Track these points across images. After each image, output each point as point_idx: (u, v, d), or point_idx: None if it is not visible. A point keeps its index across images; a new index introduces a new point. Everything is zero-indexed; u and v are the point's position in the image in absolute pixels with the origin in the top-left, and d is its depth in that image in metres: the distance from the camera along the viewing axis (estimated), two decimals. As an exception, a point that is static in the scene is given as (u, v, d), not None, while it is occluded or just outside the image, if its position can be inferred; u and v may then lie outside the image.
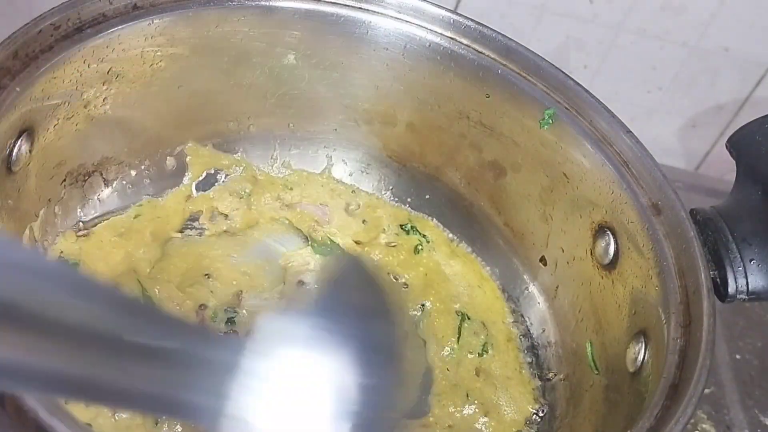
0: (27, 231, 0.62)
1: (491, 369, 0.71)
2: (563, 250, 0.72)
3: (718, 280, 0.61)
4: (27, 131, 0.59)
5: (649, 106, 1.05)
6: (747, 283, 0.60)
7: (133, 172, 0.72)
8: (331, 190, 0.79)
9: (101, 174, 0.70)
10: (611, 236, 0.67)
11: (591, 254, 0.69)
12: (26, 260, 0.34)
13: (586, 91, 0.69)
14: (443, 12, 0.70)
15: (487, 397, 0.69)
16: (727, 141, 0.65)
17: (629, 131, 0.67)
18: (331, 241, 0.76)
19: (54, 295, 0.34)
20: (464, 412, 0.68)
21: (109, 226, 0.70)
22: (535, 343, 0.74)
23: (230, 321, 0.68)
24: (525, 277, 0.76)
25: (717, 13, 0.95)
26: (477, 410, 0.68)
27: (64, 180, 0.67)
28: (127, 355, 0.36)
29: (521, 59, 0.70)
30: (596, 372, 0.67)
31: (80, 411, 0.58)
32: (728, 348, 0.89)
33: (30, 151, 0.60)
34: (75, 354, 0.34)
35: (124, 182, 0.72)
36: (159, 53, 0.66)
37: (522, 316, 0.76)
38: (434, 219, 0.80)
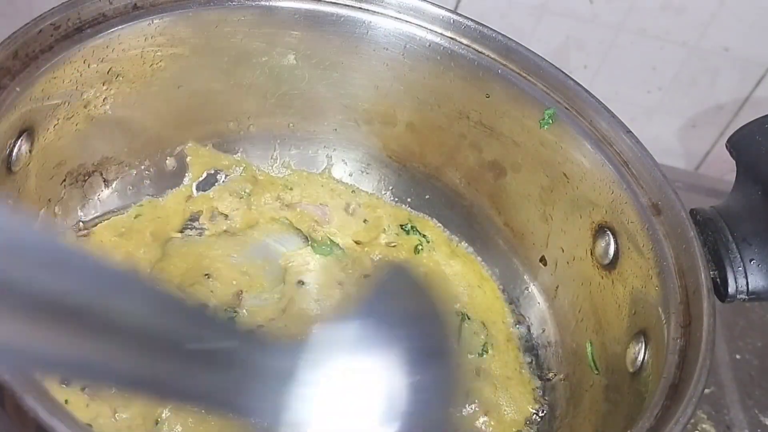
0: (27, 231, 0.62)
1: (491, 369, 0.71)
2: (563, 250, 0.72)
3: (718, 280, 0.61)
4: (27, 131, 0.59)
5: (649, 106, 1.05)
6: (747, 283, 0.60)
7: (133, 172, 0.72)
8: (331, 190, 0.79)
9: (101, 174, 0.70)
10: (611, 236, 0.67)
11: (591, 254, 0.69)
12: (99, 266, 0.35)
13: (586, 91, 0.69)
14: (443, 12, 0.70)
15: (487, 397, 0.69)
16: (727, 141, 0.65)
17: (629, 131, 0.67)
18: (331, 241, 0.76)
19: (122, 299, 0.35)
20: (464, 412, 0.68)
21: (109, 226, 0.70)
22: (535, 343, 0.74)
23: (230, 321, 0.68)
24: (525, 277, 0.76)
25: (717, 13, 0.95)
26: (477, 410, 0.68)
27: (64, 180, 0.67)
28: (184, 358, 0.36)
29: (521, 59, 0.70)
30: (596, 372, 0.67)
31: (80, 411, 0.58)
32: (728, 348, 0.89)
33: (30, 151, 0.60)
34: (135, 354, 0.35)
35: (124, 182, 0.72)
36: (159, 53, 0.66)
37: (522, 316, 0.76)
38: (434, 219, 0.80)
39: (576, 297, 0.71)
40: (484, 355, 0.72)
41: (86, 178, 0.69)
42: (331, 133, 0.78)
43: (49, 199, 0.65)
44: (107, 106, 0.66)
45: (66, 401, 0.58)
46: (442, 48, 0.71)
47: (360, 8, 0.70)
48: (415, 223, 0.79)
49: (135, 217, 0.71)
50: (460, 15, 0.70)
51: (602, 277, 0.68)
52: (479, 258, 0.78)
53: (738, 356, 0.89)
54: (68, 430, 0.41)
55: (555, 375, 0.71)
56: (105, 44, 0.62)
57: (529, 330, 0.75)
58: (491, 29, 0.70)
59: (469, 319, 0.73)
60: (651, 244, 0.62)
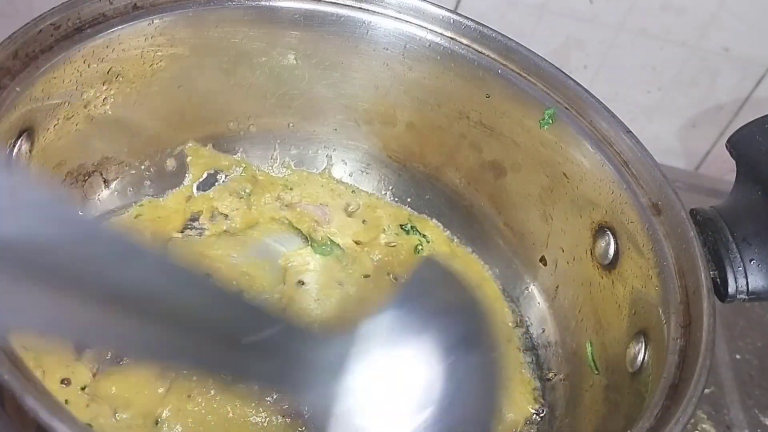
0: (27, 231, 0.62)
1: (491, 369, 0.71)
2: (563, 250, 0.72)
3: (718, 280, 0.61)
4: (27, 131, 0.59)
5: (649, 106, 1.05)
6: (747, 283, 0.60)
7: (133, 172, 0.72)
8: (331, 190, 0.79)
9: (101, 174, 0.70)
10: (611, 236, 0.67)
11: (591, 254, 0.69)
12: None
13: (586, 91, 0.69)
14: (443, 12, 0.70)
15: (487, 397, 0.69)
16: (727, 141, 0.65)
17: (629, 131, 0.67)
18: (331, 241, 0.76)
19: (186, 294, 0.37)
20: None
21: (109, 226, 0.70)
22: (535, 343, 0.74)
23: (230, 321, 0.68)
24: (525, 277, 0.76)
25: (717, 13, 0.95)
26: (477, 410, 0.68)
27: (64, 180, 0.67)
28: (238, 348, 0.39)
29: (521, 59, 0.70)
30: (596, 372, 0.67)
31: (80, 411, 0.58)
32: (728, 348, 0.89)
33: (30, 151, 0.60)
34: (191, 342, 0.38)
35: (124, 182, 0.72)
36: (159, 53, 0.66)
37: (522, 316, 0.76)
38: (434, 219, 0.80)
39: (576, 297, 0.71)
40: (484, 355, 0.72)
41: (86, 178, 0.69)
42: (331, 133, 0.78)
43: (49, 199, 0.65)
44: (107, 106, 0.66)
45: (66, 401, 0.58)
46: (442, 48, 0.71)
47: (360, 8, 0.70)
48: (415, 223, 0.79)
49: (135, 217, 0.71)
50: (460, 15, 0.70)
51: (602, 277, 0.68)
52: (479, 258, 0.78)
53: (738, 356, 0.89)
54: (68, 430, 0.41)
55: (555, 375, 0.71)
56: (105, 44, 0.62)
57: (529, 330, 0.75)
58: (491, 29, 0.70)
59: (469, 319, 0.73)
60: (651, 244, 0.62)
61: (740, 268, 0.60)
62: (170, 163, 0.74)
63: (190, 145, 0.74)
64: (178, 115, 0.72)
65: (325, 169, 0.80)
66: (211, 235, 0.74)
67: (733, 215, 0.62)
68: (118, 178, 0.71)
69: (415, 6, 0.70)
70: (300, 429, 0.63)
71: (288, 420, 0.63)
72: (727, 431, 0.82)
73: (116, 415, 0.59)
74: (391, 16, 0.71)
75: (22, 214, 0.31)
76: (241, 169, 0.77)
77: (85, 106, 0.64)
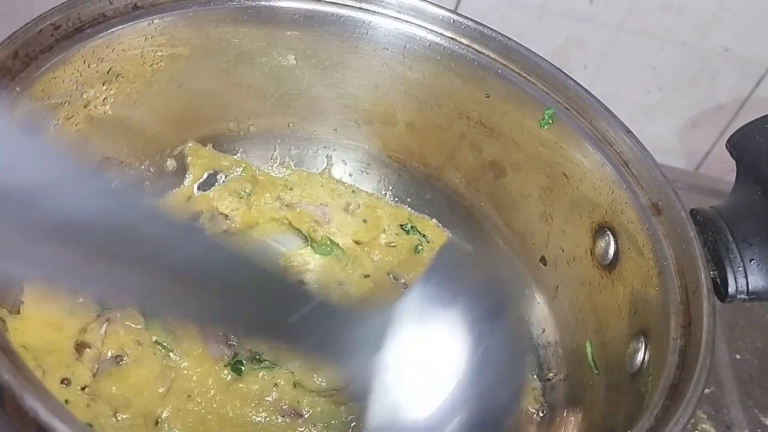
0: (27, 231, 0.62)
1: (491, 369, 0.71)
2: (563, 250, 0.72)
3: (718, 280, 0.61)
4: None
5: (649, 106, 1.05)
6: (747, 283, 0.60)
7: (133, 173, 0.72)
8: (331, 190, 0.79)
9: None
10: (611, 236, 0.67)
11: (591, 254, 0.69)
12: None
13: (586, 91, 0.69)
14: (443, 12, 0.70)
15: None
16: (727, 141, 0.65)
17: (629, 131, 0.67)
18: (331, 241, 0.76)
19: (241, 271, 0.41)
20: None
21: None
22: (535, 343, 0.74)
23: (230, 321, 0.68)
24: (525, 277, 0.76)
25: (717, 13, 0.95)
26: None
27: (64, 180, 0.66)
28: (286, 326, 0.43)
29: (521, 59, 0.70)
30: (596, 372, 0.67)
31: (80, 411, 0.58)
32: (728, 348, 0.89)
33: (30, 151, 0.60)
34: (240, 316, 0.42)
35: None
36: (159, 53, 0.66)
37: (522, 316, 0.75)
38: (434, 219, 0.80)
39: (576, 297, 0.71)
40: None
41: (86, 178, 0.69)
42: (331, 133, 0.78)
43: (49, 199, 0.65)
44: (107, 106, 0.66)
45: (66, 401, 0.58)
46: (442, 48, 0.71)
47: (360, 8, 0.70)
48: (415, 223, 0.79)
49: (135, 217, 0.71)
50: (460, 15, 0.70)
51: (602, 277, 0.68)
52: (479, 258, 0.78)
53: (738, 356, 0.89)
54: (68, 430, 0.41)
55: (555, 375, 0.71)
56: (105, 44, 0.62)
57: (529, 330, 0.75)
58: (491, 29, 0.70)
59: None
60: (651, 244, 0.62)
61: (740, 268, 0.60)
62: (170, 164, 0.74)
63: (190, 145, 0.74)
64: (178, 115, 0.72)
65: (325, 169, 0.80)
66: (211, 235, 0.74)
67: (733, 215, 0.62)
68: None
69: (415, 6, 0.70)
70: (300, 429, 0.63)
71: (288, 420, 0.63)
72: (727, 431, 0.82)
73: (116, 415, 0.59)
74: (391, 16, 0.70)
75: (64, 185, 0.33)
76: (241, 169, 0.76)
77: (85, 106, 0.64)
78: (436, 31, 0.71)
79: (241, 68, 0.71)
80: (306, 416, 0.63)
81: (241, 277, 0.41)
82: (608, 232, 0.67)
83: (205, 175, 0.75)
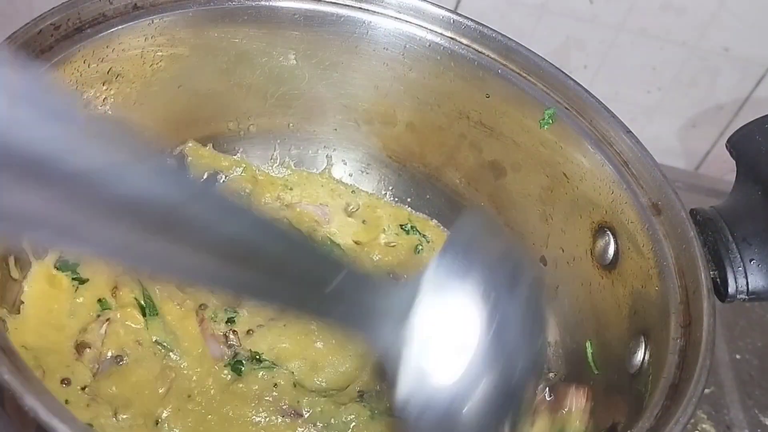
0: (27, 231, 0.62)
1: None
2: (563, 250, 0.72)
3: (718, 280, 0.61)
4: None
5: (649, 106, 1.05)
6: (747, 283, 0.60)
7: (133, 172, 0.72)
8: (331, 190, 0.79)
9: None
10: (611, 236, 0.67)
11: (591, 254, 0.69)
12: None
13: (586, 91, 0.69)
14: (443, 12, 0.70)
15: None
16: (727, 141, 0.65)
17: (629, 131, 0.67)
18: (331, 241, 0.76)
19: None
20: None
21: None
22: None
23: (230, 321, 0.68)
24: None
25: (717, 13, 0.95)
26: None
27: (64, 180, 0.66)
28: (322, 297, 0.44)
29: (521, 59, 0.70)
30: (596, 372, 0.67)
31: (80, 411, 0.58)
32: (728, 348, 0.89)
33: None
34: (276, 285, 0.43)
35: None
36: (159, 53, 0.66)
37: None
38: (434, 219, 0.80)
39: (576, 297, 0.71)
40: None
41: (86, 178, 0.69)
42: (331, 133, 0.78)
43: (49, 199, 0.65)
44: (107, 106, 0.66)
45: (66, 401, 0.58)
46: (442, 48, 0.71)
47: (360, 8, 0.70)
48: (415, 223, 0.79)
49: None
50: (460, 15, 0.70)
51: (602, 277, 0.68)
52: (479, 258, 0.78)
53: (738, 356, 0.89)
54: (68, 430, 0.41)
55: (555, 375, 0.71)
56: (105, 44, 0.62)
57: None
58: (491, 29, 0.70)
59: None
60: (651, 244, 0.62)
61: (740, 268, 0.60)
62: (170, 164, 0.74)
63: (190, 145, 0.74)
64: (178, 115, 0.72)
65: (325, 169, 0.80)
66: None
67: (733, 215, 0.62)
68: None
69: (415, 6, 0.70)
70: (300, 429, 0.63)
71: (288, 420, 0.63)
72: (727, 431, 0.82)
73: (116, 415, 0.59)
74: (391, 16, 0.70)
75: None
76: (241, 169, 0.76)
77: (85, 106, 0.64)
78: (436, 31, 0.71)
79: (241, 68, 0.71)
80: (306, 416, 0.63)
81: (282, 252, 0.42)
82: (608, 232, 0.67)
83: (205, 175, 0.75)
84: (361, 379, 0.66)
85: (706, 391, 0.61)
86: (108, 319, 0.63)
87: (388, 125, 0.77)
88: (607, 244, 0.67)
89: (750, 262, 0.60)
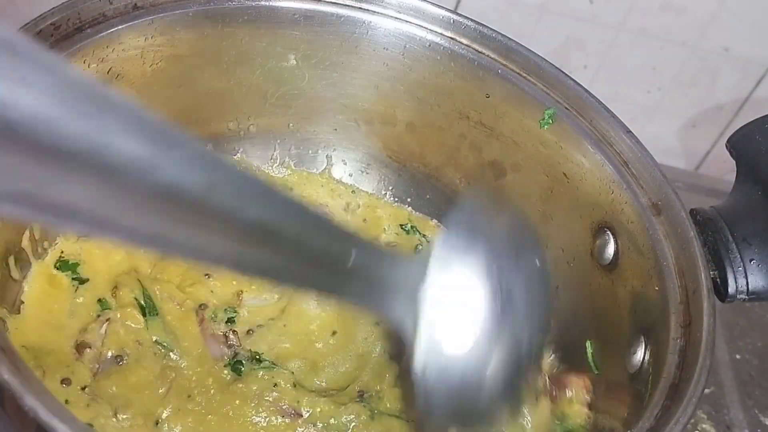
0: (27, 231, 0.62)
1: (491, 369, 0.71)
2: (563, 250, 0.72)
3: (718, 280, 0.61)
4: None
5: (649, 106, 1.05)
6: (747, 283, 0.60)
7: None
8: (331, 190, 0.79)
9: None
10: (611, 236, 0.67)
11: (591, 254, 0.69)
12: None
13: (586, 91, 0.69)
14: (443, 12, 0.70)
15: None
16: (727, 141, 0.65)
17: (629, 131, 0.67)
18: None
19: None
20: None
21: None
22: (535, 343, 0.74)
23: (230, 321, 0.68)
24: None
25: (717, 13, 0.95)
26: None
27: (64, 180, 0.66)
28: (344, 272, 0.45)
29: (521, 59, 0.70)
30: (596, 372, 0.67)
31: (80, 411, 0.58)
32: (728, 348, 0.89)
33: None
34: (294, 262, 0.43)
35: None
36: (159, 53, 0.66)
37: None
38: (434, 219, 0.80)
39: (576, 297, 0.71)
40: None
41: (86, 178, 0.69)
42: (331, 133, 0.78)
43: (49, 199, 0.65)
44: (107, 106, 0.66)
45: (66, 401, 0.58)
46: (442, 48, 0.71)
47: (360, 8, 0.70)
48: (415, 223, 0.79)
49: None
50: (460, 15, 0.70)
51: (602, 277, 0.68)
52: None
53: (738, 356, 0.89)
54: (68, 430, 0.41)
55: (556, 370, 0.71)
56: (105, 44, 0.62)
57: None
58: (491, 29, 0.70)
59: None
60: (651, 244, 0.62)
61: (740, 268, 0.60)
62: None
63: (190, 145, 0.74)
64: (178, 115, 0.72)
65: (325, 169, 0.80)
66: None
67: (733, 215, 0.62)
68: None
69: (415, 6, 0.70)
70: (300, 429, 0.63)
71: (288, 420, 0.63)
72: (727, 431, 0.83)
73: (116, 415, 0.59)
74: (391, 16, 0.70)
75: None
76: (241, 169, 0.76)
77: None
78: (436, 31, 0.71)
79: (241, 68, 0.71)
80: (306, 416, 0.63)
81: (305, 229, 0.43)
82: (608, 232, 0.67)
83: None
84: (361, 379, 0.67)
85: (706, 391, 0.61)
86: (108, 319, 0.63)
87: (388, 125, 0.77)
88: (607, 244, 0.67)
89: (750, 262, 0.60)
